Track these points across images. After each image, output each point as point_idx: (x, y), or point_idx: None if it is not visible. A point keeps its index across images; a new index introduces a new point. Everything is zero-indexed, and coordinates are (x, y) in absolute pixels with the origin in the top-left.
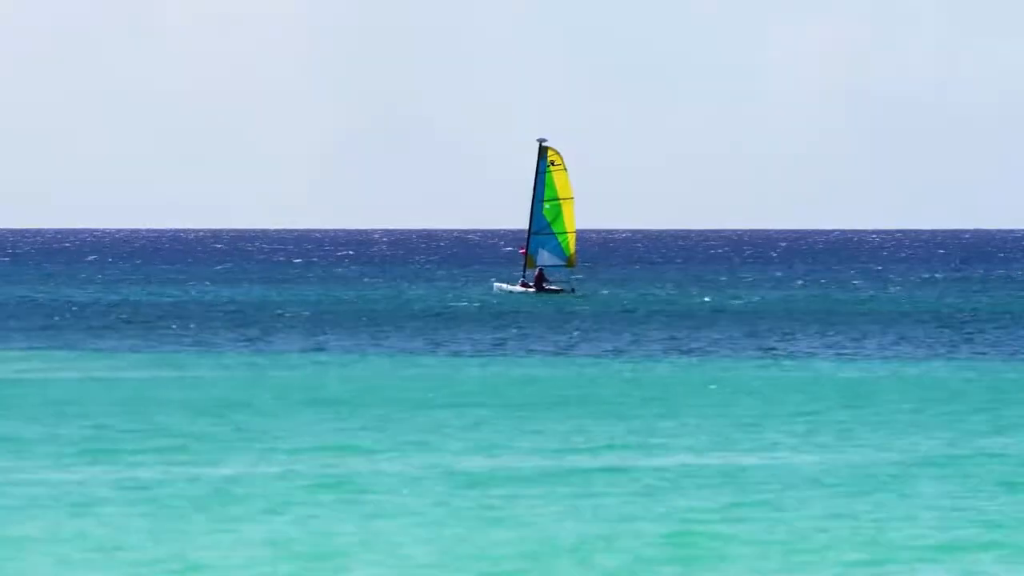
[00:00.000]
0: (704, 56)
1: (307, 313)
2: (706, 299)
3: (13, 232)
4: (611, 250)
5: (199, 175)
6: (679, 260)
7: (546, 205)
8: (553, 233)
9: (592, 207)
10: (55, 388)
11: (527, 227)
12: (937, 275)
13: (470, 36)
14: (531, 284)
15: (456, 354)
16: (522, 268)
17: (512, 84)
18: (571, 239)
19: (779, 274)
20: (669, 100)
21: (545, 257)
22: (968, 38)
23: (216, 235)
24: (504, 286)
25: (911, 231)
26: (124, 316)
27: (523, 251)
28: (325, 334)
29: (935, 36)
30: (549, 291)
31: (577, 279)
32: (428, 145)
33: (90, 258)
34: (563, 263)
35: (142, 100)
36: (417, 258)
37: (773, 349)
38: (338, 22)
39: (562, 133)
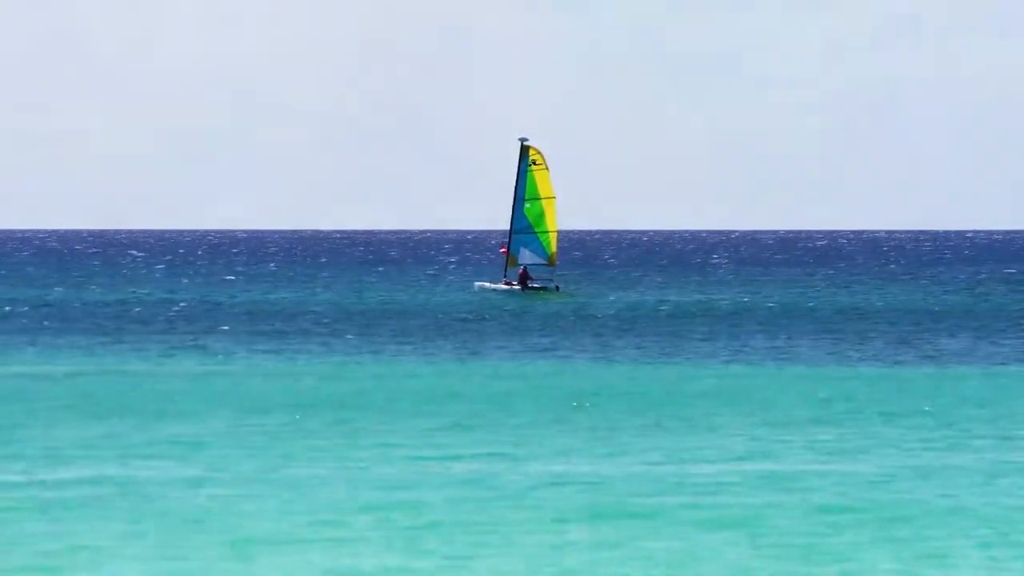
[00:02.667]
0: (704, 56)
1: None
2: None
3: (15, 233)
4: (603, 251)
5: (199, 175)
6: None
7: (527, 204)
8: (535, 232)
9: (591, 208)
10: (153, 386)
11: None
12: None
13: (470, 36)
14: (514, 283)
15: (474, 355)
16: (503, 267)
17: (512, 85)
18: (552, 238)
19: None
20: (667, 100)
21: (527, 256)
22: (968, 38)
23: (222, 236)
24: (487, 285)
25: (911, 231)
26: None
27: (504, 250)
28: (319, 336)
29: (935, 36)
30: (533, 289)
31: (563, 275)
32: (428, 145)
33: (162, 264)
34: (544, 262)
35: (142, 100)
36: (412, 258)
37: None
38: (338, 22)
39: (560, 133)
